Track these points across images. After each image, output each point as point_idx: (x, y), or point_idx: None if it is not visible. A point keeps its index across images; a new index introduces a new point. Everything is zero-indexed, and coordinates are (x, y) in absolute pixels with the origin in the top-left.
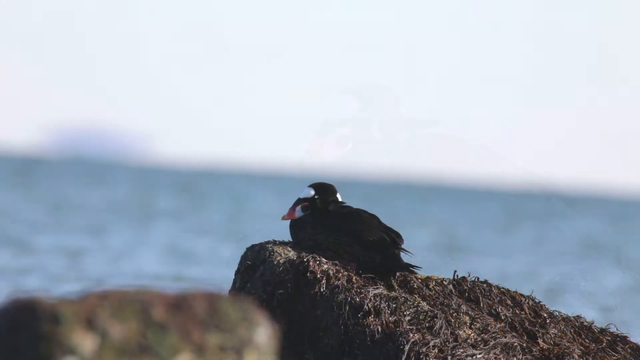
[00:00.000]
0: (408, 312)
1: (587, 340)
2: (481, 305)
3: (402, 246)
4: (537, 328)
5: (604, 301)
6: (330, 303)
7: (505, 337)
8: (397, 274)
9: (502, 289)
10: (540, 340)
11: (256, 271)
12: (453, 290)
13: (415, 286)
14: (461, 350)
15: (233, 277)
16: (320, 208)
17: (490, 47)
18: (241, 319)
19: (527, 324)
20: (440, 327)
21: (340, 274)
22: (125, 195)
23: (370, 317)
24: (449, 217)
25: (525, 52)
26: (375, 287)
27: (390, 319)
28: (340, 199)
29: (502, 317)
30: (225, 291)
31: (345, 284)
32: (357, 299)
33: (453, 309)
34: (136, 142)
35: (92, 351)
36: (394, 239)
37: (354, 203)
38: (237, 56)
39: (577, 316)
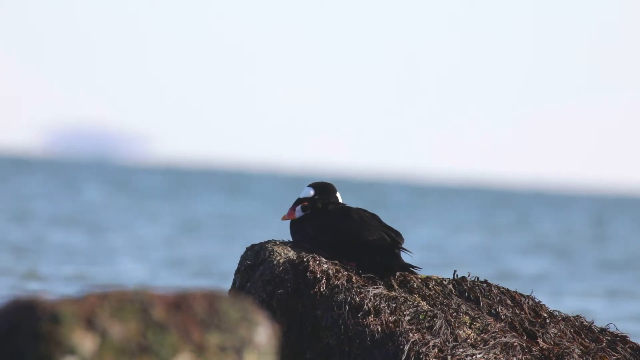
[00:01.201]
0: (408, 312)
1: (586, 340)
2: (481, 305)
3: (402, 245)
4: (537, 328)
5: None
6: (330, 303)
7: (505, 337)
8: (397, 273)
9: (502, 289)
10: (540, 340)
11: (256, 271)
12: (453, 290)
13: (415, 286)
14: (461, 350)
15: (233, 277)
16: (320, 208)
17: (490, 47)
18: (241, 319)
19: (527, 323)
20: (440, 327)
21: (340, 274)
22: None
23: (370, 317)
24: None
25: (524, 52)
26: (375, 286)
27: (390, 318)
28: (340, 199)
29: (502, 317)
30: (225, 291)
31: (345, 284)
32: (357, 299)
33: (453, 308)
34: (134, 142)
35: (92, 351)
36: (394, 239)
37: (354, 203)
38: (237, 56)
39: (577, 316)
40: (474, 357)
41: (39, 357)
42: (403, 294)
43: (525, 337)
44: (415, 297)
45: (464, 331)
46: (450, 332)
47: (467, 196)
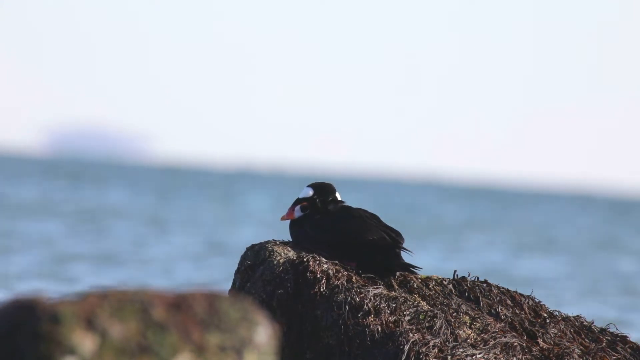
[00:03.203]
0: (408, 312)
1: (587, 340)
2: (481, 305)
3: (403, 245)
4: (537, 328)
5: None
6: (330, 303)
7: (505, 337)
8: (397, 273)
9: (502, 289)
10: (540, 340)
11: (256, 271)
12: (453, 290)
13: (415, 286)
14: (461, 350)
15: (233, 277)
16: (320, 208)
17: (490, 47)
18: (241, 319)
19: (527, 323)
20: (440, 327)
21: (340, 274)
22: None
23: (370, 317)
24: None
25: (524, 52)
26: (375, 286)
27: (390, 318)
28: (339, 198)
29: (502, 317)
30: (225, 291)
31: (345, 284)
32: (357, 299)
33: (453, 308)
34: (134, 142)
35: (92, 351)
36: (394, 238)
37: (353, 202)
38: (237, 56)
39: (577, 316)
40: (474, 357)
41: (39, 357)
42: (403, 294)
43: (525, 337)
44: (415, 297)
45: (464, 331)
46: (450, 332)
47: (467, 196)
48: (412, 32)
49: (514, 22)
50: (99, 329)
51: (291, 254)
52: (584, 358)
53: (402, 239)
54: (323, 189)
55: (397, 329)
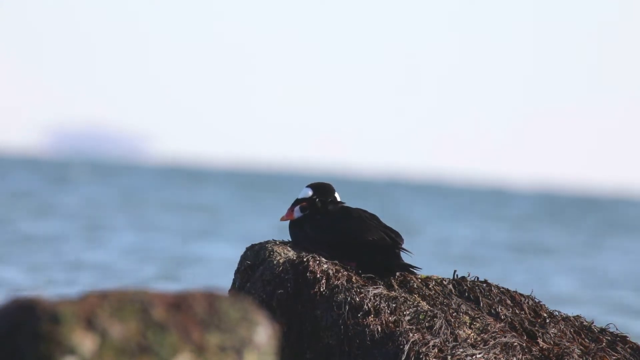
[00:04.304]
0: (408, 312)
1: (586, 340)
2: (481, 305)
3: (402, 246)
4: (536, 328)
5: None
6: (330, 303)
7: (505, 336)
8: (397, 273)
9: (502, 289)
10: (540, 340)
11: (256, 271)
12: (453, 290)
13: (415, 286)
14: (461, 350)
15: (233, 277)
16: (319, 208)
17: (490, 47)
18: (241, 319)
19: (526, 323)
20: (440, 327)
21: (340, 274)
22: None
23: (370, 317)
24: None
25: (524, 52)
26: (375, 286)
27: (390, 318)
28: (338, 199)
29: (502, 317)
30: (225, 291)
31: (345, 284)
32: (357, 299)
33: (453, 308)
34: (134, 142)
35: (92, 351)
36: (394, 239)
37: (352, 202)
38: (237, 56)
39: (577, 316)
40: (474, 357)
41: (39, 357)
42: (403, 294)
43: (525, 337)
44: (415, 297)
45: (464, 331)
46: (450, 332)
47: (467, 195)
48: (412, 32)
49: (514, 22)
50: (99, 329)
51: (291, 254)
52: (584, 358)
53: (402, 239)
54: (322, 189)
55: (397, 329)
